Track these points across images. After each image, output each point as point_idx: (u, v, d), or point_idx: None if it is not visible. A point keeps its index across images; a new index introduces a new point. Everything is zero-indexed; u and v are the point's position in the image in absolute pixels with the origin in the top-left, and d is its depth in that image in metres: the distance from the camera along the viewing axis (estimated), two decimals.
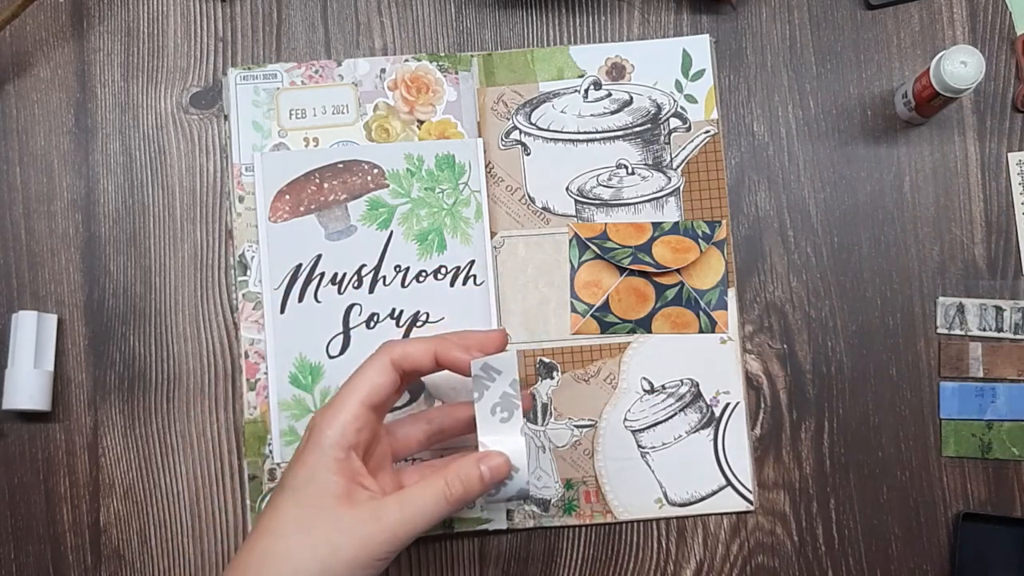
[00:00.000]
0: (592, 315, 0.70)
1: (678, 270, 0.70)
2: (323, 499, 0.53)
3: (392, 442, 0.60)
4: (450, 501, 0.54)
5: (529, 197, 0.71)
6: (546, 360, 0.70)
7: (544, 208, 0.71)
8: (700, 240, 0.70)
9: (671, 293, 0.70)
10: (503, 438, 0.56)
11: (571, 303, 0.70)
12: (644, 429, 0.70)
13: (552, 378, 0.70)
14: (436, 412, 0.62)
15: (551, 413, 0.70)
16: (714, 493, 0.69)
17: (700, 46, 0.73)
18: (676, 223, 0.70)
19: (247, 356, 0.69)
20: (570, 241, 0.71)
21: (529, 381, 0.70)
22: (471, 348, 0.57)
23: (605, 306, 0.70)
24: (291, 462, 0.55)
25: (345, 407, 0.55)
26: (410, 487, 0.55)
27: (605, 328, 0.70)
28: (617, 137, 0.72)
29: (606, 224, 0.70)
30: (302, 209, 0.70)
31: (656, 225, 0.70)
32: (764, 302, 0.71)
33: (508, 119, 0.72)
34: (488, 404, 0.56)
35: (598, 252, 0.69)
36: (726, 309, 0.70)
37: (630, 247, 0.69)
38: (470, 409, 0.61)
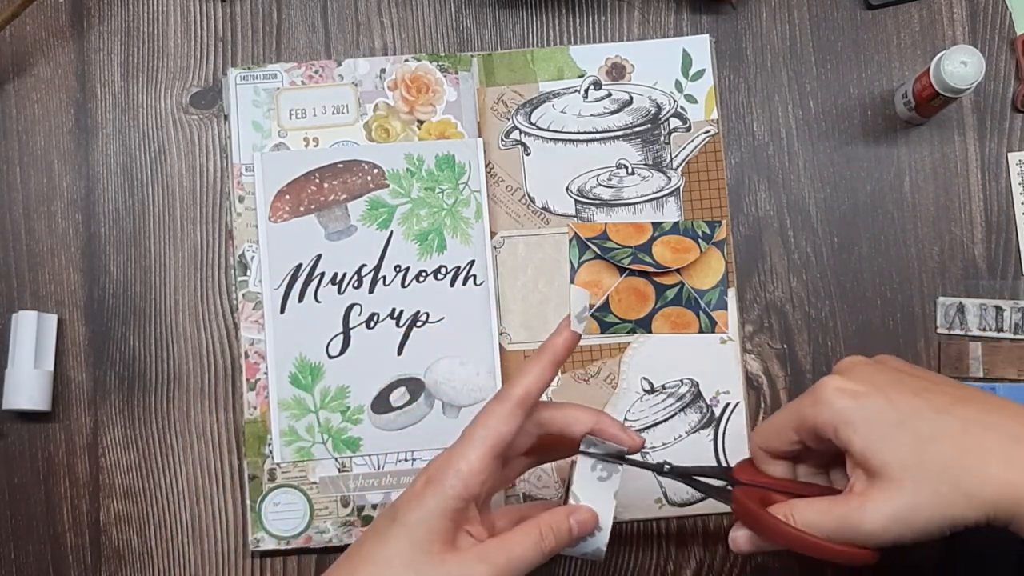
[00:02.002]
0: (592, 315, 0.70)
1: (678, 270, 0.70)
2: (433, 542, 0.53)
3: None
4: (543, 552, 0.54)
5: (529, 197, 0.71)
6: None
7: (544, 208, 0.71)
8: (700, 240, 0.70)
9: (671, 293, 0.70)
10: (594, 495, 0.57)
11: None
12: (644, 429, 0.70)
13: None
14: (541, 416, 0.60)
15: None
16: None
17: (700, 46, 0.73)
18: (676, 223, 0.70)
19: (247, 356, 0.69)
20: (570, 241, 0.71)
21: None
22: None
23: (605, 306, 0.70)
24: (407, 495, 0.54)
25: (475, 455, 0.54)
26: (510, 534, 0.55)
27: (605, 328, 0.70)
28: (617, 137, 0.72)
29: (606, 224, 0.70)
30: (302, 209, 0.70)
31: (656, 225, 0.70)
32: (764, 302, 0.71)
33: (508, 119, 0.72)
34: (590, 461, 0.57)
35: (598, 252, 0.69)
36: (726, 309, 0.70)
37: (630, 247, 0.69)
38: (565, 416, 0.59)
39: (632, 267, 0.69)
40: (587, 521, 0.56)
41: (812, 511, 0.53)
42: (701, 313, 0.70)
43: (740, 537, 0.57)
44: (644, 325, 0.70)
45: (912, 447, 0.51)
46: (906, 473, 0.51)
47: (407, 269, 0.70)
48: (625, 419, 0.70)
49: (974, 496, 0.50)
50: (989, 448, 0.50)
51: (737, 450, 0.69)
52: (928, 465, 0.50)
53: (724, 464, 0.69)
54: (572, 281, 0.70)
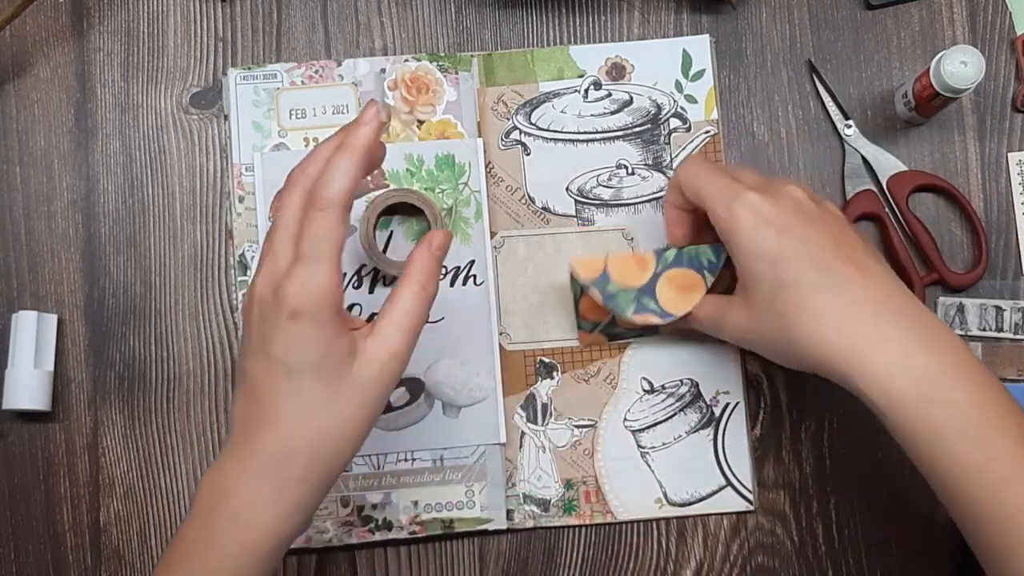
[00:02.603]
0: (600, 331, 0.70)
1: None
2: (339, 367, 0.52)
3: None
4: (431, 296, 0.54)
5: (529, 197, 0.71)
6: (546, 360, 0.70)
7: (544, 208, 0.71)
8: (706, 272, 0.64)
9: (671, 255, 0.68)
10: None
11: (577, 322, 0.70)
12: (644, 429, 0.70)
13: (552, 378, 0.70)
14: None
15: (551, 413, 0.70)
16: (714, 493, 0.69)
17: (700, 46, 0.73)
18: (680, 252, 0.65)
19: None
20: (571, 276, 0.69)
21: (529, 381, 0.70)
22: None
23: (612, 322, 0.69)
24: (280, 339, 0.51)
25: (327, 270, 0.51)
26: (390, 304, 0.53)
27: (613, 339, 0.70)
28: (617, 137, 0.72)
29: (606, 260, 0.66)
30: None
31: (659, 255, 0.65)
32: None
33: (508, 119, 0.72)
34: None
35: (600, 299, 0.66)
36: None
37: (633, 289, 0.65)
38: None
39: (635, 318, 0.65)
40: (444, 242, 0.55)
41: (707, 302, 0.63)
42: (706, 272, 0.65)
43: None
44: (651, 331, 0.69)
45: (772, 285, 0.56)
46: (759, 306, 0.57)
47: None
48: (625, 419, 0.70)
49: (796, 354, 0.57)
50: (824, 312, 0.55)
51: (737, 450, 0.69)
52: (776, 306, 0.56)
53: (726, 462, 0.70)
54: (576, 307, 0.70)
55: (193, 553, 0.52)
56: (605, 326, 0.69)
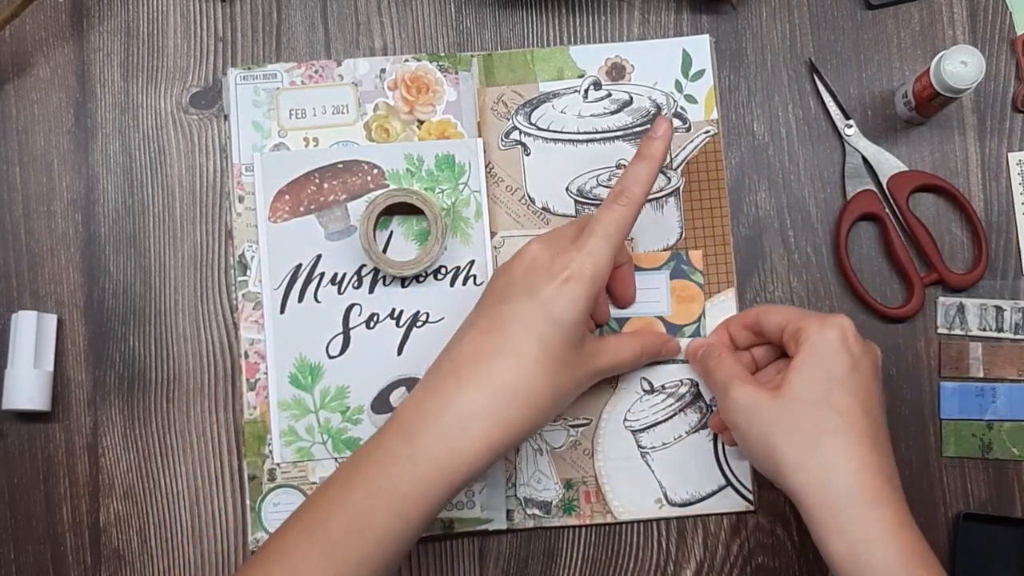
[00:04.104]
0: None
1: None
2: (583, 340, 0.60)
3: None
4: (639, 363, 0.67)
5: (529, 197, 0.71)
6: None
7: (544, 208, 0.71)
8: (692, 279, 0.70)
9: (688, 330, 0.70)
10: None
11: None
12: (644, 429, 0.70)
13: None
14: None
15: None
16: (714, 493, 0.69)
17: (700, 46, 0.73)
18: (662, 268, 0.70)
19: (247, 356, 0.69)
20: None
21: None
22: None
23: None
24: (549, 289, 0.58)
25: (604, 255, 0.59)
26: (619, 341, 0.65)
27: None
28: (617, 137, 0.72)
29: None
30: (302, 209, 0.70)
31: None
32: (764, 302, 0.71)
33: (508, 119, 0.72)
34: None
35: None
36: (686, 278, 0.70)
37: None
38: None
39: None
40: (673, 351, 0.68)
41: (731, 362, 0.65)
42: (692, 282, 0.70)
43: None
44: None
45: (819, 398, 0.59)
46: (792, 400, 0.59)
47: None
48: (625, 419, 0.70)
49: (772, 475, 0.60)
50: (790, 450, 0.58)
51: (737, 451, 0.69)
52: (807, 413, 0.59)
53: (725, 460, 0.70)
54: None
55: (393, 463, 0.55)
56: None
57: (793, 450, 0.58)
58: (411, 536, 0.55)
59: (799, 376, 0.60)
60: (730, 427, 0.62)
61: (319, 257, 0.70)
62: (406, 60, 0.72)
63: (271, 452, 0.69)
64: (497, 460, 0.57)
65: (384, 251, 0.70)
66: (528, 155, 0.72)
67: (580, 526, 0.70)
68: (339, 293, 0.70)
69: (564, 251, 0.59)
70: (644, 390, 0.70)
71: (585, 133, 0.72)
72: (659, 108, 0.72)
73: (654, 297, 0.70)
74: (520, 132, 0.72)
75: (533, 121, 0.72)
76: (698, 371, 0.68)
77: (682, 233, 0.71)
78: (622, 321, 0.70)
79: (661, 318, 0.70)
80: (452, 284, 0.70)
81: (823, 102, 0.72)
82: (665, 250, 0.71)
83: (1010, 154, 0.72)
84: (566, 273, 0.58)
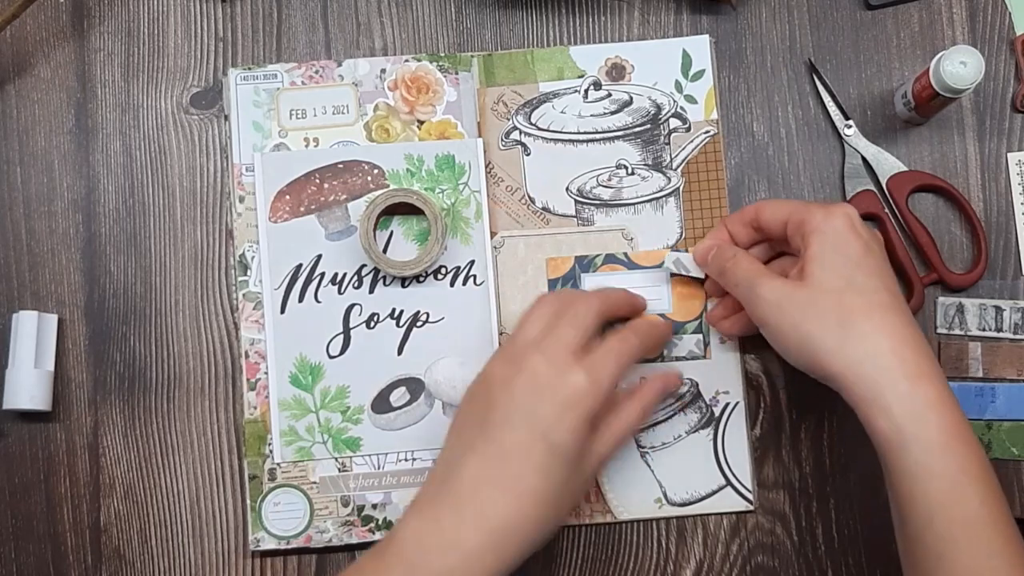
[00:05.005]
0: None
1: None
2: (578, 463, 0.59)
3: None
4: (645, 418, 0.64)
5: (529, 197, 0.71)
6: None
7: (544, 208, 0.71)
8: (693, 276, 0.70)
9: (690, 327, 0.70)
10: None
11: None
12: (644, 429, 0.70)
13: None
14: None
15: None
16: (714, 493, 0.69)
17: (700, 46, 0.73)
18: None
19: (247, 356, 0.69)
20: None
21: None
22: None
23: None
24: (555, 419, 0.57)
25: (610, 382, 0.59)
26: (623, 411, 0.62)
27: None
28: (617, 137, 0.72)
29: None
30: (302, 209, 0.70)
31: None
32: None
33: (508, 119, 0.72)
34: None
35: None
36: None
37: None
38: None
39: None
40: (671, 383, 0.66)
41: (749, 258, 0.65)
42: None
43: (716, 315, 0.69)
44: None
45: (843, 283, 0.59)
46: (815, 289, 0.59)
47: None
48: None
49: (808, 365, 0.60)
50: (826, 336, 0.58)
51: (737, 450, 0.69)
52: (835, 299, 0.59)
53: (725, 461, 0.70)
54: None
55: None
56: None
57: (829, 336, 0.58)
58: None
59: (819, 265, 0.59)
60: (759, 324, 0.62)
61: (319, 257, 0.70)
62: (406, 60, 0.72)
63: (271, 452, 0.69)
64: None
65: (384, 251, 0.70)
66: (528, 155, 0.72)
67: (580, 526, 0.70)
68: (339, 293, 0.70)
69: (568, 368, 0.58)
70: None
71: (585, 133, 0.72)
72: (659, 108, 0.72)
73: (655, 295, 0.70)
74: (520, 132, 0.72)
75: (533, 121, 0.72)
76: (711, 273, 0.67)
77: (682, 233, 0.71)
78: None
79: (663, 315, 0.70)
80: (452, 284, 0.70)
81: (823, 102, 0.72)
82: (665, 248, 0.71)
83: (1009, 154, 0.72)
84: (569, 400, 0.58)
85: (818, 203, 0.62)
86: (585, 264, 0.71)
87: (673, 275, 0.69)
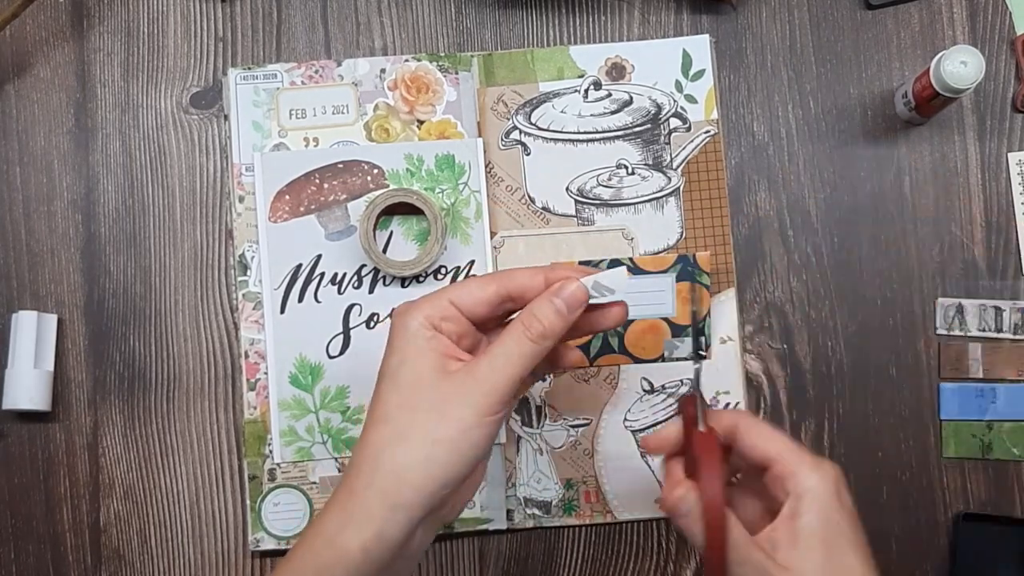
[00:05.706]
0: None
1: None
2: (419, 376, 0.53)
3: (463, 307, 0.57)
4: (531, 338, 0.53)
5: (529, 197, 0.71)
6: None
7: (544, 208, 0.71)
8: (699, 281, 0.62)
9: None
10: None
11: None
12: (644, 429, 0.70)
13: (544, 380, 0.70)
14: (499, 275, 0.58)
15: (545, 415, 0.70)
16: None
17: (700, 46, 0.73)
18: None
19: (247, 356, 0.69)
20: None
21: (526, 381, 0.69)
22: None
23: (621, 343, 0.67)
24: (385, 355, 0.55)
25: (430, 298, 0.55)
26: (495, 343, 0.54)
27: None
28: (617, 137, 0.72)
29: None
30: (302, 209, 0.70)
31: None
32: (764, 302, 0.71)
33: (508, 119, 0.72)
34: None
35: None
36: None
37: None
38: (529, 272, 0.56)
39: (600, 360, 0.62)
40: (573, 292, 0.54)
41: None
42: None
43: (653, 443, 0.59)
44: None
45: (823, 547, 0.54)
46: (802, 541, 0.54)
47: None
48: (625, 419, 0.70)
49: None
50: None
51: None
52: (816, 554, 0.54)
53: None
54: None
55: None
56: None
57: None
58: None
59: (809, 547, 0.55)
60: None
61: (319, 257, 0.70)
62: (406, 60, 0.72)
63: (271, 452, 0.69)
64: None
65: (384, 251, 0.70)
66: (528, 155, 0.72)
67: (580, 526, 0.70)
68: (339, 293, 0.70)
69: (450, 374, 0.53)
70: (644, 390, 0.70)
71: (585, 133, 0.72)
72: (659, 108, 0.72)
73: (659, 299, 0.69)
74: (520, 132, 0.72)
75: (533, 121, 0.72)
76: (674, 525, 0.58)
77: (682, 233, 0.71)
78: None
79: (666, 319, 0.69)
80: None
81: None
82: (667, 250, 0.71)
83: (1010, 154, 0.72)
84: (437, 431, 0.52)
85: (807, 457, 0.56)
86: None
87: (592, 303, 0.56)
